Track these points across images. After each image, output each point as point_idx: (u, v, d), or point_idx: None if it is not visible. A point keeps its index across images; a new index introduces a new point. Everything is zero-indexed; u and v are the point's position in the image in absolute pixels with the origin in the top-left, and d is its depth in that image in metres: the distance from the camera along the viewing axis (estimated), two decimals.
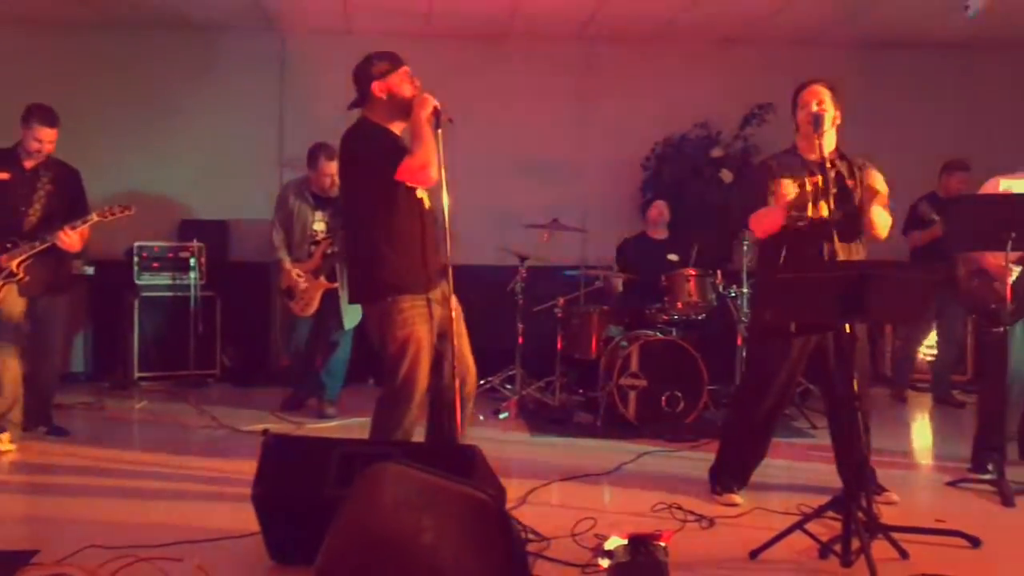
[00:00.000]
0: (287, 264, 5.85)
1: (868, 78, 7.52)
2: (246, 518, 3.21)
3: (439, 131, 3.59)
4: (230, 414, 5.78)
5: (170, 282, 6.91)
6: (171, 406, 6.14)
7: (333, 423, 5.67)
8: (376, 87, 3.70)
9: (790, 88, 4.15)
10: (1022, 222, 4.07)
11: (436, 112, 3.58)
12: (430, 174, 3.55)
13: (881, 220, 3.90)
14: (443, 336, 3.67)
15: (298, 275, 5.80)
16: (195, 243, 6.92)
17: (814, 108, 3.94)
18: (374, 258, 3.66)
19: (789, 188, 3.87)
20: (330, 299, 5.80)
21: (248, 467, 3.30)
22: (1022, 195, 4.38)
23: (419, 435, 3.82)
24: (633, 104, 7.58)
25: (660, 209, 6.76)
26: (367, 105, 3.74)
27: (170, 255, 6.95)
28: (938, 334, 6.80)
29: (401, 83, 3.68)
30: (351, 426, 5.39)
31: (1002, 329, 4.33)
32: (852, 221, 3.92)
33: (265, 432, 4.07)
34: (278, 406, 6.05)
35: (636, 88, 7.61)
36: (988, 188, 4.65)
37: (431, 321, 3.63)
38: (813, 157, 3.93)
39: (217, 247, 7.20)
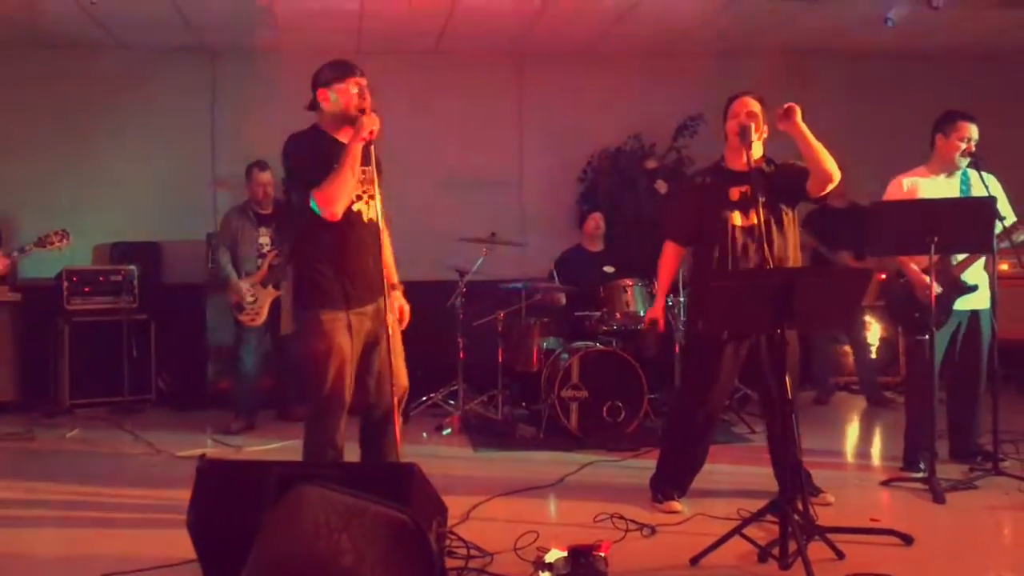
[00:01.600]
0: (234, 279, 6.09)
1: (795, 87, 7.66)
2: (183, 546, 3.14)
3: (372, 150, 3.57)
4: (166, 439, 5.66)
5: (102, 306, 6.76)
6: (105, 433, 5.99)
7: (273, 445, 5.59)
8: (320, 94, 3.68)
9: (720, 99, 4.23)
10: (944, 227, 4.22)
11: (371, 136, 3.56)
12: (333, 210, 3.50)
13: (826, 155, 3.91)
14: (373, 352, 3.65)
15: (247, 288, 6.05)
16: (127, 266, 6.79)
17: (743, 118, 4.02)
18: (300, 269, 3.69)
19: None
20: (278, 309, 6.17)
21: (185, 494, 3.23)
22: (944, 200, 4.53)
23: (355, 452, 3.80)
24: (568, 118, 7.65)
25: (596, 221, 6.83)
26: (317, 111, 3.72)
27: (101, 278, 6.80)
28: (849, 338, 7.01)
29: (345, 94, 3.63)
30: (291, 448, 5.31)
31: (926, 336, 4.46)
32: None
33: (202, 457, 3.99)
34: (232, 430, 5.99)
35: (571, 102, 7.68)
36: (892, 188, 4.80)
37: (354, 335, 3.60)
38: (739, 167, 4.01)
39: (150, 269, 7.07)
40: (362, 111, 3.56)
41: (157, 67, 7.30)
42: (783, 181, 4.05)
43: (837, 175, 3.90)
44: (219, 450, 5.43)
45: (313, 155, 3.59)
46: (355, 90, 3.64)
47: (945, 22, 6.67)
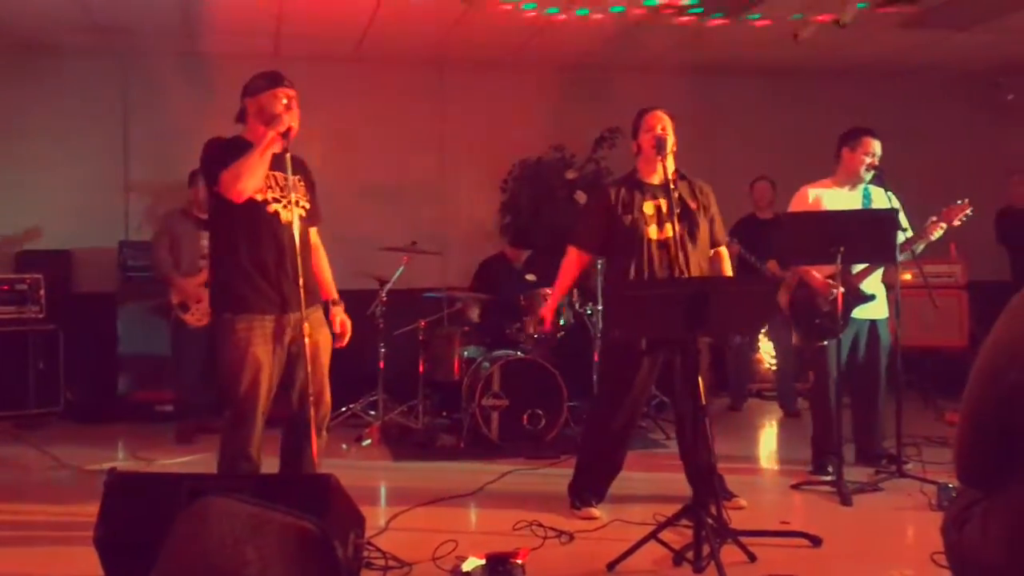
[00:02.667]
0: (178, 278, 5.99)
1: (707, 102, 7.90)
2: (90, 562, 3.05)
3: (287, 155, 3.54)
4: (74, 453, 5.48)
5: (6, 316, 6.51)
6: (8, 447, 5.77)
7: (187, 458, 5.47)
8: (247, 102, 3.65)
9: (636, 112, 4.31)
10: (850, 238, 4.37)
11: (287, 133, 3.53)
12: (239, 187, 3.43)
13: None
14: (295, 361, 3.61)
15: (197, 285, 5.93)
16: (33, 274, 6.56)
17: (658, 131, 4.10)
18: (218, 273, 3.65)
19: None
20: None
21: (93, 509, 3.14)
22: (849, 212, 4.70)
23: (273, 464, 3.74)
24: (489, 127, 7.69)
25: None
26: (245, 120, 3.67)
27: (6, 288, 6.55)
28: (776, 347, 7.18)
29: (270, 103, 3.58)
30: (206, 460, 5.20)
31: (826, 343, 4.62)
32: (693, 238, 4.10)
33: (111, 471, 3.88)
34: (172, 439, 5.86)
35: (492, 111, 7.72)
36: (798, 198, 4.97)
37: (273, 343, 3.55)
38: (654, 180, 4.10)
39: (58, 278, 6.84)
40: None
41: (65, 68, 7.08)
42: (706, 218, 4.21)
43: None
44: (130, 463, 5.28)
45: (227, 152, 3.54)
46: (284, 100, 3.60)
47: (851, 40, 6.91)
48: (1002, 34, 6.95)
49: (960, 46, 7.28)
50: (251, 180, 3.46)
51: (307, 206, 3.74)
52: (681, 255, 3.93)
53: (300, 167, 3.82)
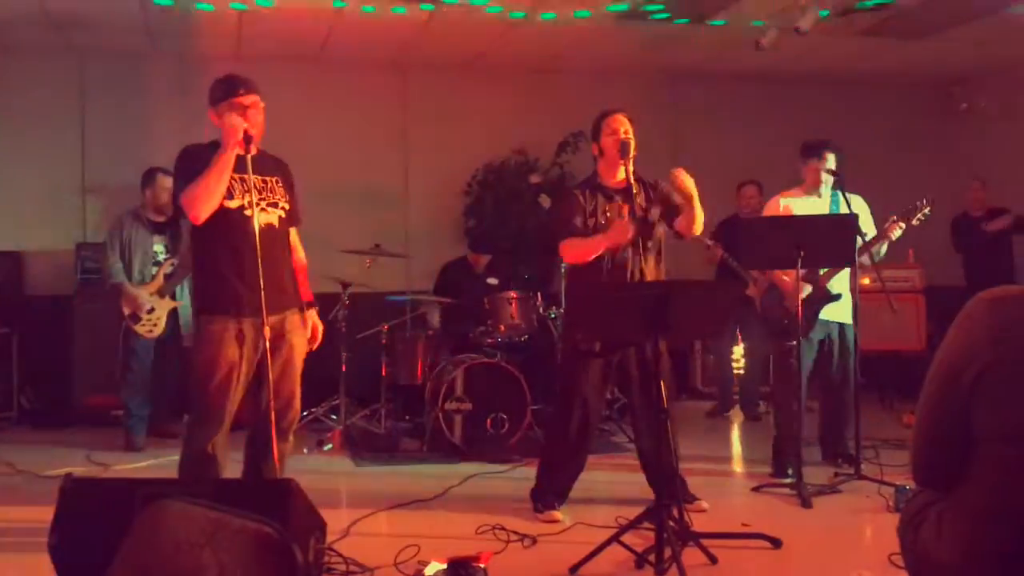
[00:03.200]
0: (129, 287, 5.78)
1: (670, 107, 7.96)
2: (43, 570, 2.99)
3: (248, 158, 3.51)
4: (29, 458, 5.37)
5: None
6: None
7: (145, 463, 5.39)
8: (210, 112, 3.62)
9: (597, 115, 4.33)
10: (810, 242, 4.43)
11: (246, 139, 3.50)
12: (194, 213, 3.48)
13: (700, 217, 4.16)
14: (264, 364, 3.58)
15: (145, 297, 5.79)
16: None
17: (622, 135, 4.13)
18: (195, 274, 3.73)
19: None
20: (174, 320, 5.89)
21: (47, 515, 3.07)
22: (808, 217, 4.76)
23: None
24: (453, 131, 7.68)
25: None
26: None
27: None
28: (745, 351, 7.23)
29: (227, 113, 3.55)
30: (166, 465, 5.13)
31: (793, 343, 4.67)
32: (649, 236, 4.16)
33: (66, 476, 3.81)
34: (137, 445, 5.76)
35: (456, 115, 7.71)
36: (770, 206, 5.05)
37: (245, 345, 3.52)
38: (614, 183, 4.12)
39: (10, 280, 6.71)
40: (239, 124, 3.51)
41: (19, 66, 6.95)
42: (661, 206, 4.18)
43: (698, 232, 4.18)
44: (88, 468, 5.19)
45: (194, 163, 3.54)
46: (246, 104, 3.58)
47: (812, 48, 7.01)
48: (956, 44, 7.09)
49: (916, 55, 7.42)
50: (205, 205, 3.48)
51: (286, 207, 3.72)
52: (643, 258, 3.96)
53: (279, 168, 3.80)
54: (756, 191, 7.01)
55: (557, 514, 4.16)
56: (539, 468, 4.36)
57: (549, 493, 4.25)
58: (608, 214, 4.14)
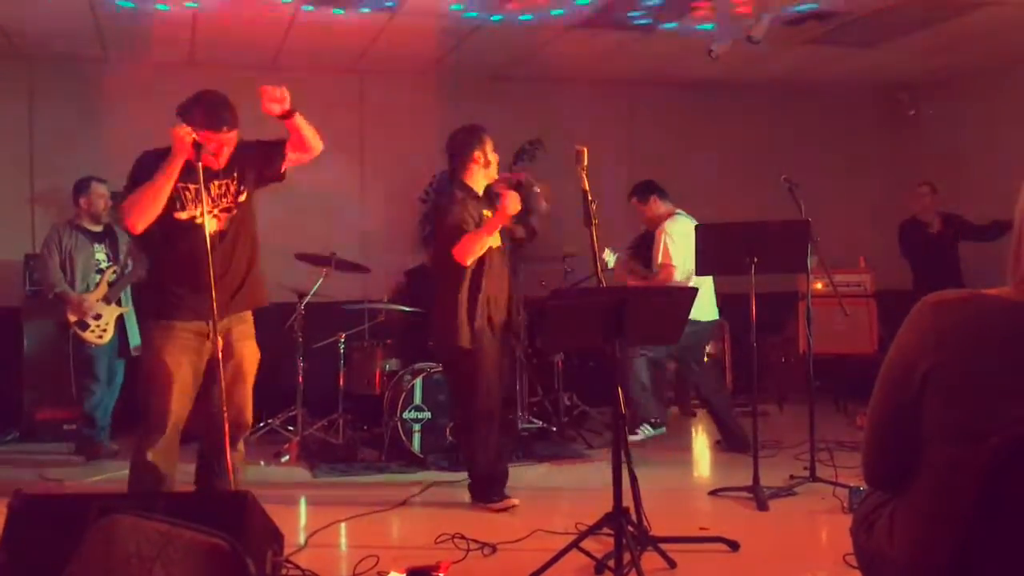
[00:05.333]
0: (73, 295, 5.70)
1: (624, 114, 8.03)
2: None
3: (200, 165, 3.47)
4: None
5: None
6: None
7: (97, 477, 5.29)
8: (181, 122, 3.60)
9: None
10: (761, 247, 4.50)
11: (195, 147, 3.47)
12: (131, 222, 3.49)
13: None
14: (213, 373, 3.54)
15: (90, 304, 5.70)
16: None
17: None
18: (141, 282, 3.73)
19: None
20: (120, 326, 5.86)
21: None
22: (760, 223, 4.82)
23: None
24: (409, 137, 7.64)
25: None
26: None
27: None
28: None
29: (201, 139, 3.53)
30: (121, 479, 5.04)
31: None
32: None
33: (16, 492, 3.73)
34: (103, 453, 5.70)
35: (412, 121, 7.67)
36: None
37: (188, 352, 3.49)
38: (480, 190, 4.58)
39: None
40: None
41: None
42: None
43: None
44: (38, 483, 5.08)
45: (143, 171, 3.53)
46: (213, 146, 3.57)
47: (763, 56, 7.11)
48: (904, 53, 7.24)
49: (865, 63, 7.56)
50: (143, 216, 3.47)
51: (240, 200, 3.70)
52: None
53: (236, 161, 3.72)
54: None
55: (513, 499, 4.41)
56: (479, 464, 4.50)
57: (498, 483, 4.46)
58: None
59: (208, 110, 3.57)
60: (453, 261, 4.41)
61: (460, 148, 4.66)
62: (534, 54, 7.17)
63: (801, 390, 6.15)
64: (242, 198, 3.71)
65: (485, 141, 4.65)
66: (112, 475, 5.30)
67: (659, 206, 5.87)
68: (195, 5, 5.87)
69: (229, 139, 3.59)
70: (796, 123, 8.40)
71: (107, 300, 5.79)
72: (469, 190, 4.57)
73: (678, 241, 5.56)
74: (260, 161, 3.75)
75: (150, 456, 3.51)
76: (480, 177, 4.63)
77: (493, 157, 4.65)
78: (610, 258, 5.85)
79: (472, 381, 4.45)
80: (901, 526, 1.73)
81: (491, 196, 4.52)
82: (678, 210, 5.83)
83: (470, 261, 4.41)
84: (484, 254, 4.44)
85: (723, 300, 7.30)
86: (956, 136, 8.03)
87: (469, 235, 4.39)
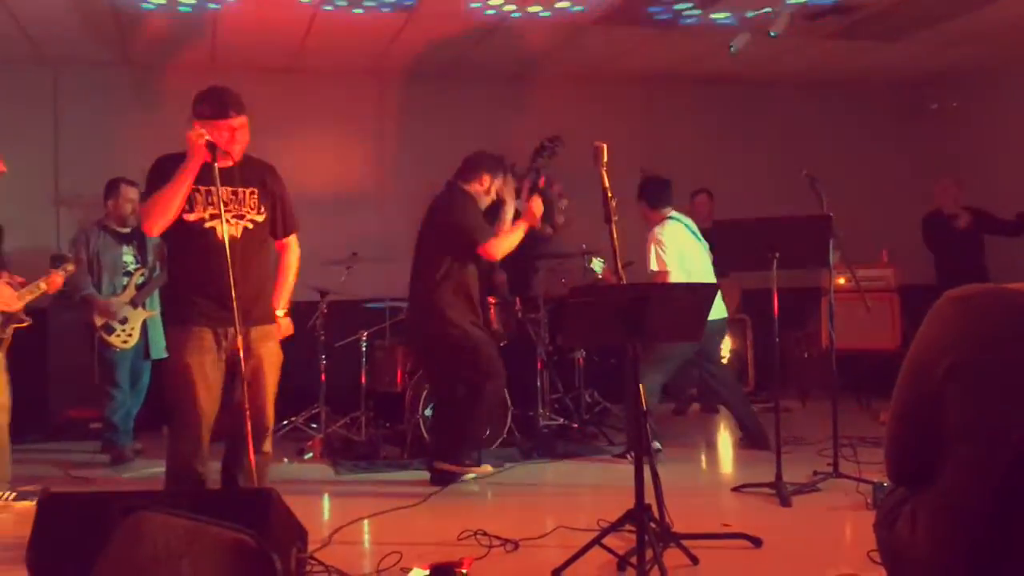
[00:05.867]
0: (100, 299, 5.68)
1: (643, 111, 8.01)
2: None
3: (216, 167, 3.50)
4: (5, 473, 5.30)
5: None
6: None
7: (127, 474, 5.35)
8: (195, 123, 3.63)
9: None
10: (784, 242, 4.47)
11: (210, 148, 3.51)
12: (148, 225, 3.56)
13: None
14: (234, 376, 3.57)
15: (116, 307, 5.69)
16: None
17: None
18: (167, 286, 3.88)
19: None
20: (145, 330, 5.83)
21: (25, 530, 3.05)
22: (782, 218, 4.79)
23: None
24: (429, 137, 7.67)
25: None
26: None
27: None
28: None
29: (210, 132, 3.56)
30: (148, 477, 5.12)
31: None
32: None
33: (43, 491, 3.80)
34: (128, 456, 5.70)
35: (432, 121, 7.70)
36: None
37: (208, 355, 3.53)
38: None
39: None
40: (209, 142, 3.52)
41: None
42: None
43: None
44: (67, 482, 5.14)
45: (162, 175, 3.57)
46: (226, 134, 3.59)
47: (783, 51, 7.07)
48: (926, 46, 7.18)
49: (887, 57, 7.51)
50: (159, 218, 3.53)
51: (256, 219, 3.71)
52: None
53: (260, 176, 3.79)
54: (707, 199, 7.07)
55: (489, 466, 4.96)
56: (457, 431, 4.89)
57: (471, 448, 4.97)
58: None
59: (213, 100, 3.64)
60: (456, 255, 4.85)
61: (476, 164, 5.03)
62: (552, 52, 7.18)
63: (824, 386, 6.13)
64: (260, 217, 3.73)
65: (499, 176, 5.04)
66: (136, 473, 5.38)
67: (658, 211, 5.75)
68: (217, 7, 5.92)
69: (239, 124, 3.62)
70: (817, 118, 8.35)
71: (134, 304, 5.75)
72: (470, 197, 4.90)
73: (669, 246, 5.51)
74: (280, 211, 3.91)
75: (183, 458, 3.54)
76: (476, 197, 4.99)
77: (495, 194, 5.01)
78: (597, 265, 5.84)
79: (479, 357, 4.82)
80: (923, 522, 1.72)
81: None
82: (672, 213, 5.74)
83: (501, 257, 4.88)
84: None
85: (744, 296, 7.31)
86: (979, 130, 7.95)
87: (503, 234, 4.77)
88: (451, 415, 4.97)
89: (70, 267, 5.02)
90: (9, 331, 4.58)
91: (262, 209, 3.75)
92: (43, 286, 4.82)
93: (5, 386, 4.59)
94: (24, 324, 4.87)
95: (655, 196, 5.74)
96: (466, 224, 4.84)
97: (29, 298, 4.68)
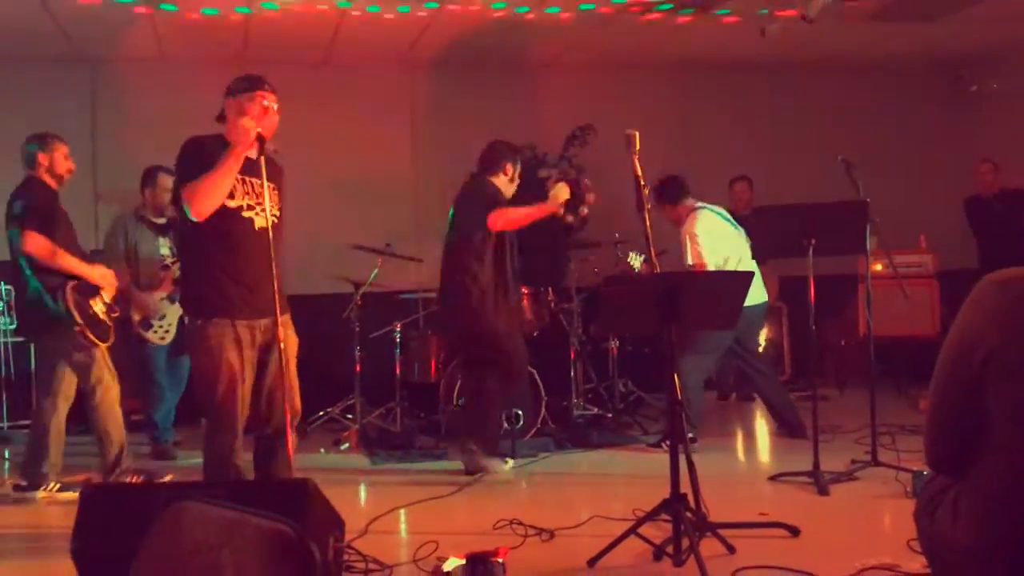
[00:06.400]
0: (137, 293, 5.60)
1: (676, 97, 7.95)
2: (68, 574, 3.02)
3: (262, 159, 3.52)
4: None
5: None
6: None
7: (171, 465, 5.42)
8: (228, 103, 3.65)
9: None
10: (820, 229, 4.42)
11: (259, 140, 3.52)
12: (198, 208, 3.47)
13: None
14: (265, 367, 3.60)
15: (154, 303, 5.65)
16: (1, 285, 6.46)
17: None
18: (187, 278, 3.74)
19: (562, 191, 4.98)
20: (182, 325, 5.69)
21: (70, 520, 3.10)
22: (819, 205, 4.73)
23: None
24: (462, 127, 7.66)
25: None
26: (226, 120, 3.66)
27: None
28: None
29: (245, 106, 3.59)
30: (188, 468, 5.19)
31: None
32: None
33: (86, 482, 3.87)
34: (170, 454, 5.71)
35: (463, 111, 7.69)
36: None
37: (243, 348, 3.54)
38: None
39: (26, 290, 6.72)
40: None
41: (31, 77, 6.99)
42: None
43: None
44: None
45: (201, 157, 3.53)
46: (264, 103, 3.61)
47: (819, 34, 6.98)
48: (965, 26, 7.04)
49: (925, 38, 7.38)
50: (209, 202, 3.47)
51: (277, 214, 3.73)
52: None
53: (278, 176, 3.79)
54: (747, 186, 7.00)
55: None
56: (488, 423, 4.94)
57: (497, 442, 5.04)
58: None
59: (247, 76, 3.70)
60: (485, 243, 4.87)
61: (497, 155, 5.10)
62: (584, 40, 7.14)
63: (862, 374, 6.06)
64: (278, 212, 3.75)
65: (518, 163, 5.15)
66: (176, 463, 5.44)
67: (685, 205, 5.68)
68: (247, 11, 5.96)
69: (271, 102, 3.64)
70: (853, 102, 8.23)
71: (172, 299, 5.65)
72: (494, 186, 4.97)
73: (703, 238, 5.46)
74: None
75: (222, 450, 3.55)
76: (502, 186, 5.05)
77: (516, 180, 5.10)
78: (636, 261, 5.79)
79: (508, 348, 4.90)
80: (965, 510, 1.70)
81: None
82: (699, 203, 5.69)
83: (499, 227, 4.89)
84: (503, 242, 4.89)
85: (781, 283, 7.24)
86: (1019, 111, 7.79)
87: (515, 209, 4.91)
88: (473, 407, 5.02)
89: (175, 269, 5.30)
90: (113, 316, 4.76)
91: (281, 206, 3.77)
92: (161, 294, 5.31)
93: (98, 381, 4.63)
94: (145, 327, 5.54)
95: (672, 192, 5.67)
96: (482, 203, 4.93)
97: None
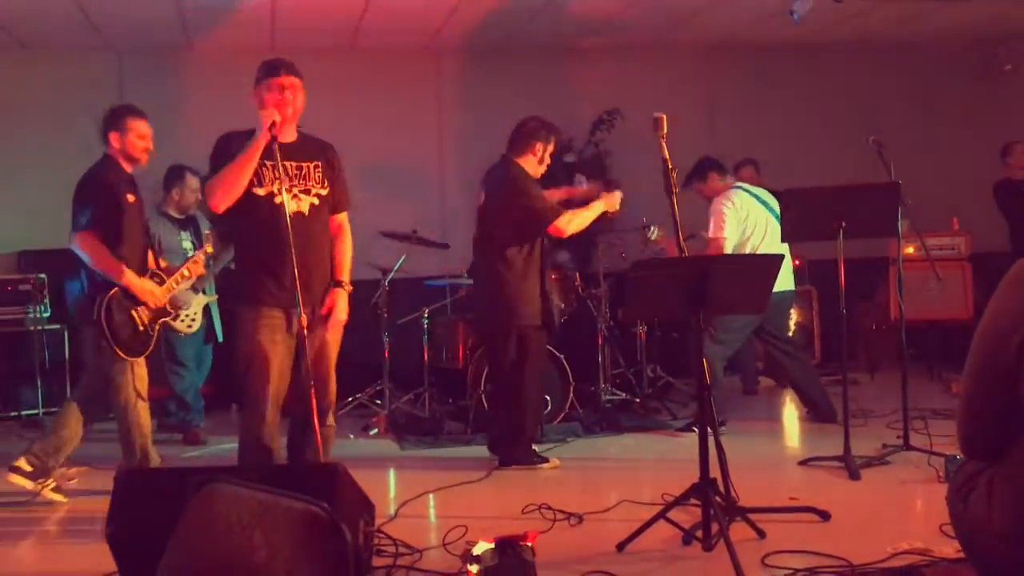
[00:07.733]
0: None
1: (704, 81, 7.88)
2: (103, 558, 3.07)
3: (276, 146, 3.54)
4: (84, 450, 5.46)
5: (10, 317, 6.50)
6: (16, 447, 5.77)
7: (195, 452, 5.48)
8: (252, 95, 3.69)
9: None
10: (851, 211, 4.37)
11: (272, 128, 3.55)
12: (214, 202, 3.55)
13: None
14: (300, 352, 3.63)
15: (180, 293, 5.62)
16: (36, 274, 6.54)
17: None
18: (233, 266, 3.88)
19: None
20: (208, 315, 5.85)
21: (104, 504, 3.15)
22: (849, 186, 4.68)
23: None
24: (487, 113, 7.64)
25: None
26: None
27: (9, 288, 6.54)
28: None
29: (263, 95, 3.64)
30: (219, 454, 5.25)
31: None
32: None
33: (119, 466, 3.90)
34: (201, 440, 5.77)
35: (489, 97, 7.68)
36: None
37: (279, 334, 3.58)
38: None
39: (62, 277, 6.83)
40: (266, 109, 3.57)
41: (60, 67, 7.06)
42: None
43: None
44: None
45: (226, 152, 3.60)
46: (277, 94, 3.63)
47: (848, 15, 6.88)
48: (999, 3, 6.91)
49: (957, 17, 7.25)
50: (225, 195, 3.53)
51: (322, 193, 3.74)
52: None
53: (321, 152, 3.82)
54: (753, 171, 6.90)
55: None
56: (521, 424, 4.76)
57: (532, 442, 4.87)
58: None
59: (269, 61, 3.72)
60: (523, 235, 4.71)
61: (528, 133, 4.83)
62: (609, 23, 7.09)
63: (893, 358, 6.01)
64: (324, 191, 3.76)
65: (551, 141, 4.86)
66: (205, 451, 5.50)
67: (716, 182, 5.66)
68: None
69: (290, 84, 3.65)
70: (884, 83, 8.12)
71: (195, 289, 5.64)
72: (527, 172, 4.78)
73: (729, 216, 5.43)
74: (338, 188, 3.89)
75: (256, 435, 3.60)
76: (531, 168, 4.82)
77: (547, 160, 4.86)
78: (654, 233, 5.78)
79: (538, 353, 4.82)
80: (1000, 494, 1.68)
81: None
82: (737, 183, 5.67)
83: (567, 235, 4.76)
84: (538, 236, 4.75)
85: (811, 266, 7.18)
86: None
87: (575, 212, 4.74)
88: (503, 405, 4.92)
89: (209, 248, 4.94)
90: (157, 326, 4.39)
91: (326, 183, 3.78)
92: (186, 273, 4.65)
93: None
94: (172, 316, 4.69)
95: (706, 169, 5.66)
96: (535, 206, 4.69)
97: (175, 288, 4.51)
